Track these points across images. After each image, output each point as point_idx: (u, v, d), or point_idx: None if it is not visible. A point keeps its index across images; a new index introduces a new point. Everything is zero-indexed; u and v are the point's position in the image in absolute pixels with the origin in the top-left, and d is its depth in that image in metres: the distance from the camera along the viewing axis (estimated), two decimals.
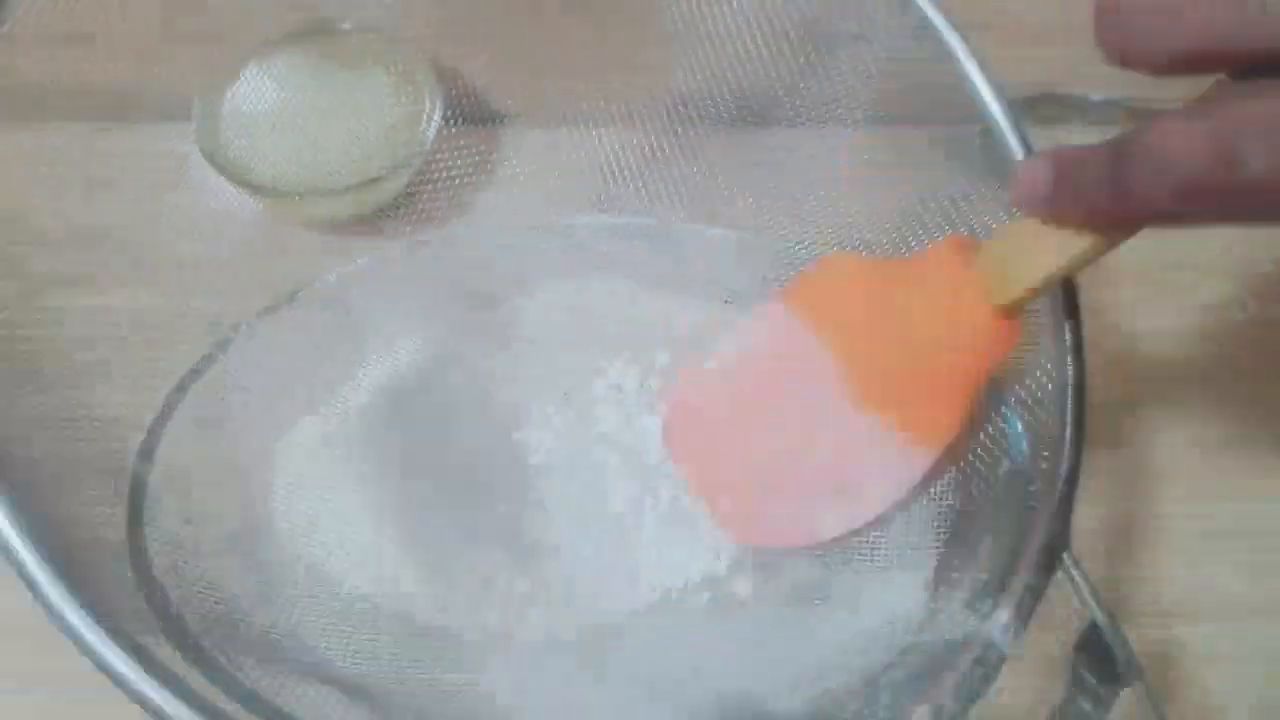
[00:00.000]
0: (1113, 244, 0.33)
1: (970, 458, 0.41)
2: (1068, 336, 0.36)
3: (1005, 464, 0.38)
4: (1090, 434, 0.36)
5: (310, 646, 0.41)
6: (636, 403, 0.48)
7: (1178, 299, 0.56)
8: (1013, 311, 0.37)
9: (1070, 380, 0.36)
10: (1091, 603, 0.32)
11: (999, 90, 0.41)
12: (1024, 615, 0.31)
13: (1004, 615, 0.31)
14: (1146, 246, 0.54)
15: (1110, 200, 0.31)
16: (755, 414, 0.45)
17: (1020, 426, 0.40)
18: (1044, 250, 0.34)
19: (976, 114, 0.42)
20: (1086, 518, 0.38)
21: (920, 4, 0.43)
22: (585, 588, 0.44)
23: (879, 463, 0.41)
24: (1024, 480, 0.37)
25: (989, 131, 0.41)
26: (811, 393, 0.43)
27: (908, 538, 0.40)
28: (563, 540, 0.45)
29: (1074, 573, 0.33)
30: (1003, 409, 0.41)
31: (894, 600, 0.38)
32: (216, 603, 0.41)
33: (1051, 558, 0.32)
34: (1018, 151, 0.40)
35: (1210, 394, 0.53)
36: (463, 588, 0.44)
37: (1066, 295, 0.38)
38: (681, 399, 0.47)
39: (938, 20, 0.42)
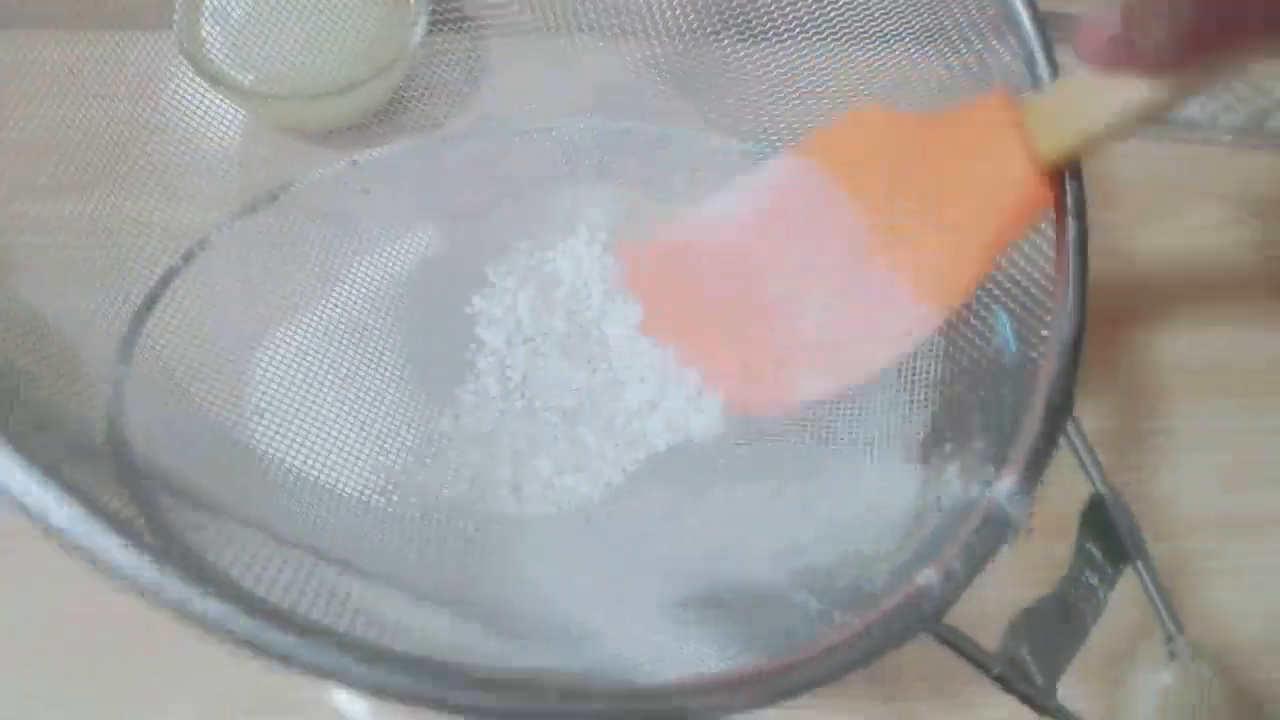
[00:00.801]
0: (1173, 97, 0.32)
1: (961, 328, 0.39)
2: (1068, 195, 0.34)
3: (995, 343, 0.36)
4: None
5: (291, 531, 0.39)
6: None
7: (1176, 220, 0.54)
8: (1053, 169, 0.35)
9: (1071, 238, 0.34)
10: (1094, 475, 0.31)
11: None
12: (1030, 481, 0.29)
13: (1009, 482, 0.29)
14: (1143, 166, 0.55)
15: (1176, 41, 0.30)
16: (742, 259, 0.42)
17: (1007, 322, 0.39)
18: (1103, 102, 0.33)
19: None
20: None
21: None
22: (564, 460, 0.43)
23: (881, 318, 0.38)
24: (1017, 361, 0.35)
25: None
26: (814, 239, 0.41)
27: (894, 409, 0.38)
28: (544, 421, 0.43)
29: (1077, 442, 0.31)
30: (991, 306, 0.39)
31: (883, 477, 0.36)
32: (192, 494, 0.39)
33: (1056, 421, 0.30)
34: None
35: (1208, 307, 0.52)
36: (434, 469, 0.43)
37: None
38: (656, 242, 0.45)
39: None
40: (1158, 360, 0.50)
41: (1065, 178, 0.34)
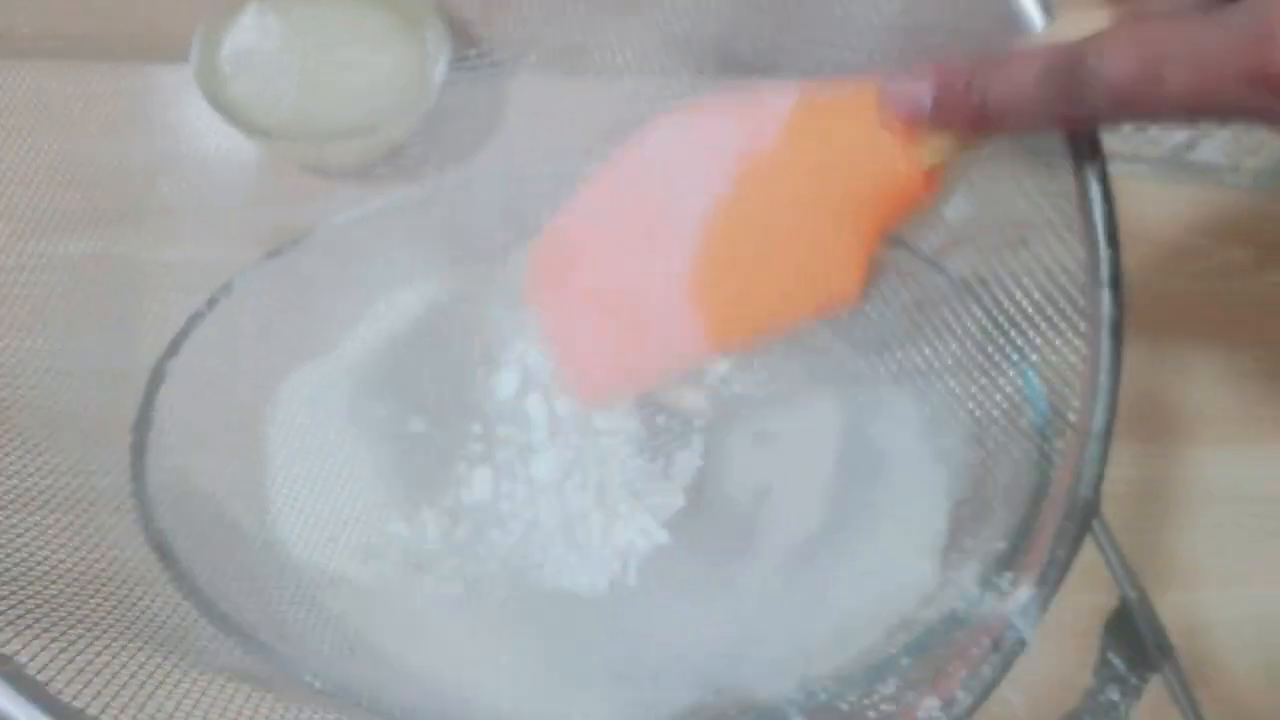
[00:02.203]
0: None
1: (987, 407, 0.38)
2: (1104, 272, 0.33)
3: (1027, 415, 0.35)
4: None
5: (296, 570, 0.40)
6: None
7: (1198, 263, 0.53)
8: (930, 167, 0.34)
9: (1106, 320, 0.32)
10: (1122, 576, 0.29)
11: None
12: (1047, 593, 0.28)
13: (1024, 593, 0.28)
14: (1165, 209, 0.54)
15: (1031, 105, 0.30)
16: (625, 235, 0.39)
17: (1037, 383, 0.37)
18: None
19: None
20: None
21: None
22: (551, 557, 0.41)
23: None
24: (1044, 437, 0.33)
25: None
26: (692, 209, 0.37)
27: (913, 497, 0.37)
28: (530, 507, 0.42)
29: (1104, 542, 0.30)
30: (1022, 367, 0.38)
31: (896, 570, 0.35)
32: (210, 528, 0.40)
33: (1081, 527, 0.28)
34: None
35: (1230, 352, 0.50)
36: (432, 537, 0.42)
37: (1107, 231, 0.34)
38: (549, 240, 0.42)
39: None
40: (1178, 406, 0.48)
41: (1103, 246, 0.33)
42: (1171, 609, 0.30)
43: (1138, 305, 0.50)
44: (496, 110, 0.51)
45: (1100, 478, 0.29)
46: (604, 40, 0.50)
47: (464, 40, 0.51)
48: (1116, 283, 0.32)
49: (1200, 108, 0.28)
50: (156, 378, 0.43)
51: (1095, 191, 0.33)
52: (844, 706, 0.30)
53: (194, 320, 0.44)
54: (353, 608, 0.40)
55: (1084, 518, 0.29)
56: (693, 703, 0.33)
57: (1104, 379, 0.30)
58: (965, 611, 0.30)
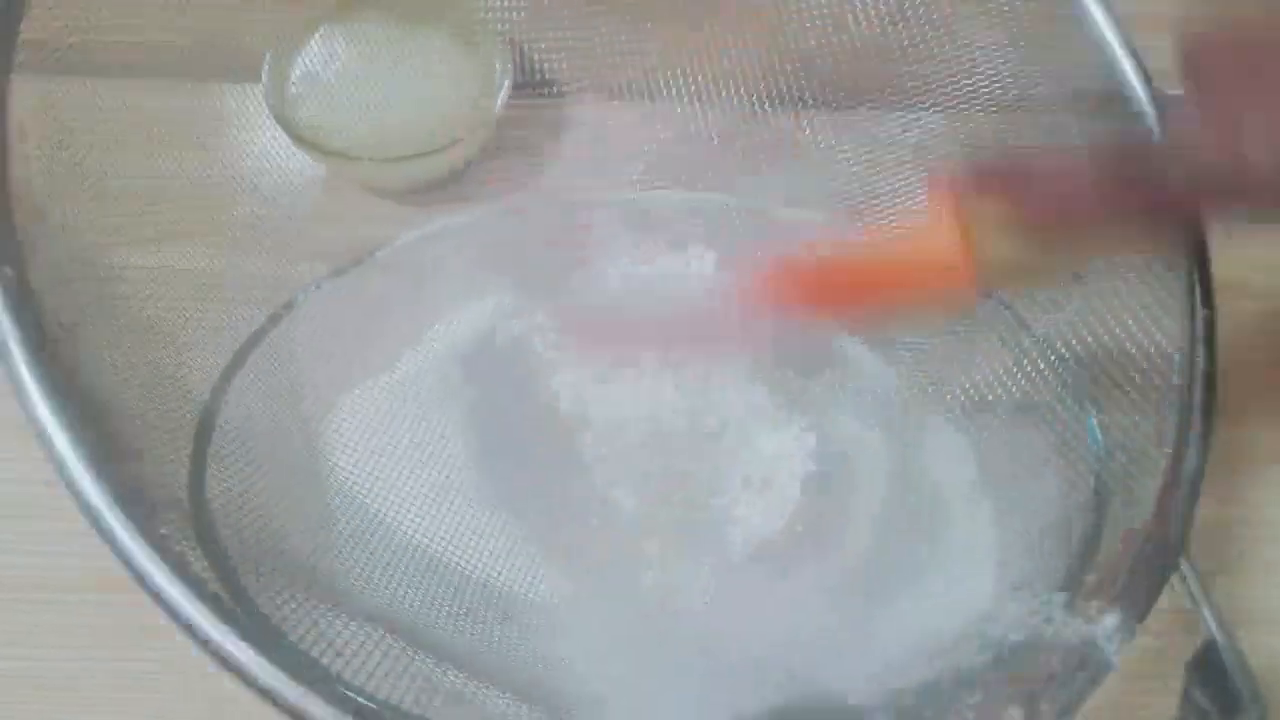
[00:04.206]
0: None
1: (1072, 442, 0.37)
2: (1198, 321, 0.31)
3: (1112, 457, 0.33)
4: None
5: (359, 588, 0.39)
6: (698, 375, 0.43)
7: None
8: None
9: (1200, 361, 0.31)
10: (1209, 617, 0.27)
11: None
12: (1134, 621, 0.26)
13: (1112, 620, 0.26)
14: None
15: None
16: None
17: (1095, 425, 0.36)
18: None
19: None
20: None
21: None
22: (654, 554, 0.40)
23: None
24: (1122, 476, 0.32)
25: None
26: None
27: (1001, 529, 0.36)
28: (628, 506, 0.41)
29: (1190, 580, 0.28)
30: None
31: (980, 596, 0.33)
32: (270, 544, 0.38)
33: (1167, 561, 0.27)
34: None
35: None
36: (520, 549, 0.40)
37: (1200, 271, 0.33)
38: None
39: None
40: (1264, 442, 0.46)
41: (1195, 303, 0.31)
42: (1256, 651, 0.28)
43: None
44: (555, 136, 0.50)
45: (1189, 519, 0.28)
46: (666, 69, 0.49)
47: (526, 66, 0.50)
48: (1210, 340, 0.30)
49: None
50: (219, 389, 0.42)
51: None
52: (929, 714, 0.29)
53: (257, 335, 0.43)
54: (411, 632, 0.39)
55: (1171, 556, 0.27)
56: (780, 703, 0.32)
57: (1196, 425, 0.29)
58: (1052, 634, 0.29)
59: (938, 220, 0.33)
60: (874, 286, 0.36)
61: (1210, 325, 0.31)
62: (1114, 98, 0.37)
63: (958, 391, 0.43)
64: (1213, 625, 0.28)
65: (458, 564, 0.40)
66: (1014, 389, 0.42)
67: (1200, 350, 0.30)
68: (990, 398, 0.42)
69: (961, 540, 0.38)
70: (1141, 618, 0.27)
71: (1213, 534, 0.30)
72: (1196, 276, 0.32)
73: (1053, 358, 0.39)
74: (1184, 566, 0.28)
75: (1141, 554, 0.28)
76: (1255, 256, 0.47)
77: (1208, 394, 0.29)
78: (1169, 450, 0.30)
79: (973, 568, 0.35)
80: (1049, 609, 0.29)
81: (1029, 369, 0.41)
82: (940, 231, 0.32)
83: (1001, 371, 0.42)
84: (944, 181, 0.33)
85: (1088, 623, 0.27)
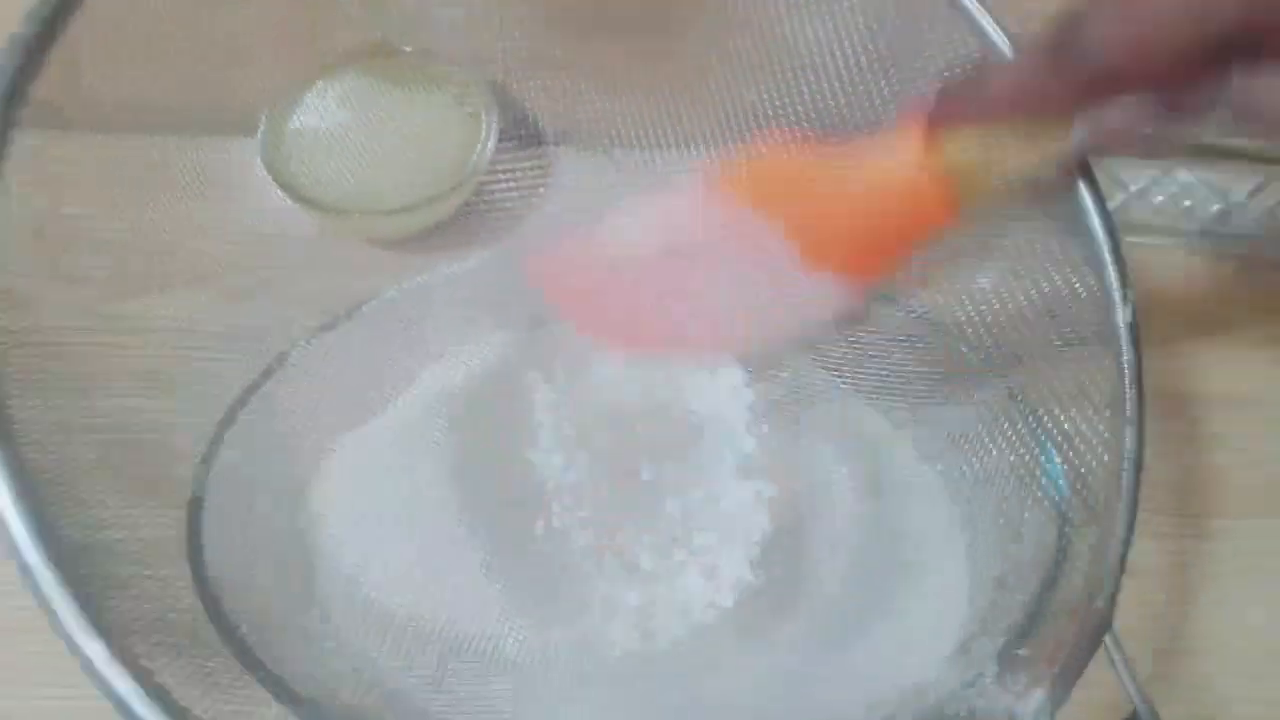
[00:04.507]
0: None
1: (1010, 506, 0.37)
2: (1128, 406, 0.32)
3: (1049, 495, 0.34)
4: None
5: (350, 650, 0.40)
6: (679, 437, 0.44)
7: (1227, 333, 0.51)
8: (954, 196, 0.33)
9: (1127, 451, 0.31)
10: (1133, 690, 0.28)
11: None
12: (1058, 700, 0.27)
13: (1037, 696, 0.27)
14: (1198, 278, 0.52)
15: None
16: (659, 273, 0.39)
17: (1058, 461, 0.36)
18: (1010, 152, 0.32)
19: None
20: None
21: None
22: (620, 614, 0.41)
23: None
24: (1063, 519, 0.32)
25: None
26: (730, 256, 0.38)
27: (938, 598, 0.36)
28: (593, 565, 0.42)
29: (1115, 656, 0.29)
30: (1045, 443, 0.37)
31: (918, 662, 0.34)
32: (263, 599, 0.40)
33: (1094, 639, 0.28)
34: None
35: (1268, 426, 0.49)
36: (495, 606, 0.41)
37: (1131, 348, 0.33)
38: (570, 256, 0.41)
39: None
40: (1212, 476, 0.47)
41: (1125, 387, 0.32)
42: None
43: (1171, 376, 0.49)
44: (542, 184, 0.51)
45: (1116, 591, 0.28)
46: (654, 120, 0.50)
47: (513, 116, 0.51)
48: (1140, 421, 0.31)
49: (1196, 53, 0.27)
50: (215, 444, 0.43)
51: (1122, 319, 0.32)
52: None
53: (250, 390, 0.45)
54: (403, 677, 0.40)
55: (1098, 630, 0.28)
56: None
57: (1124, 508, 0.30)
58: (983, 710, 0.29)
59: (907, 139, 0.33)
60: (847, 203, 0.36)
61: (1139, 403, 0.31)
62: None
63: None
64: (1136, 698, 0.28)
65: (438, 625, 0.41)
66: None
67: (1128, 431, 0.31)
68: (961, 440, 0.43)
69: (929, 595, 0.38)
70: (1063, 699, 0.27)
71: (1137, 607, 0.31)
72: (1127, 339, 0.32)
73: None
74: (1109, 639, 0.29)
75: (1068, 629, 0.29)
76: None
77: (1135, 475, 0.30)
78: (1096, 529, 0.30)
79: (936, 625, 0.36)
80: (981, 681, 0.30)
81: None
82: (910, 148, 0.33)
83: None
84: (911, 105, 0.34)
85: (1015, 699, 0.28)
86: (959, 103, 0.32)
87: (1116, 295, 0.32)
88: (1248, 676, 0.42)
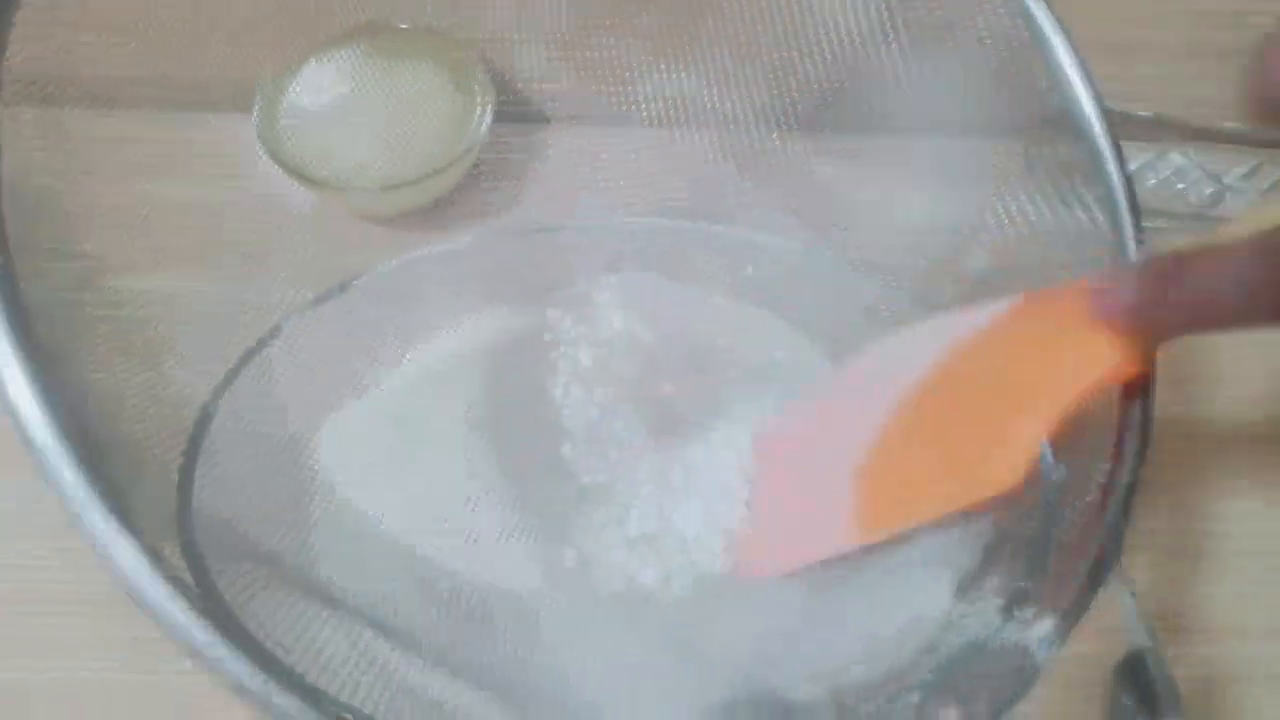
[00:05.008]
0: None
1: None
2: None
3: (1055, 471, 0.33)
4: None
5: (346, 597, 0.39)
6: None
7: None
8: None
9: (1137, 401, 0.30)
10: (1137, 626, 0.28)
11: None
12: (1066, 628, 0.27)
13: (1046, 626, 0.27)
14: None
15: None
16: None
17: (1051, 457, 0.36)
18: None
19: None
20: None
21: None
22: (620, 558, 0.40)
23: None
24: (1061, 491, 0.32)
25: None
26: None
27: (942, 538, 0.36)
28: (601, 508, 0.41)
29: (1121, 589, 0.28)
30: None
31: (923, 599, 0.33)
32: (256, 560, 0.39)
33: (1099, 572, 0.27)
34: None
35: (1260, 407, 0.48)
36: (498, 555, 0.41)
37: None
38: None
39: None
40: (1206, 455, 0.46)
41: None
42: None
43: (1164, 359, 0.48)
44: (537, 159, 0.51)
45: (1122, 528, 0.28)
46: (651, 97, 0.50)
47: (509, 92, 0.51)
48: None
49: None
50: (206, 412, 0.42)
51: None
52: (870, 708, 0.29)
53: (244, 360, 0.44)
54: (395, 650, 0.39)
55: (1104, 562, 0.27)
56: (731, 699, 0.33)
57: (1131, 438, 0.29)
58: (988, 639, 0.29)
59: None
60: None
61: None
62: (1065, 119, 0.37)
63: None
64: (1139, 632, 0.28)
65: (437, 564, 0.40)
66: None
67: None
68: None
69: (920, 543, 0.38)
70: (1072, 626, 0.27)
71: (1146, 545, 0.30)
72: None
73: None
74: (1115, 576, 0.28)
75: (1075, 564, 0.28)
76: None
77: (1145, 410, 0.29)
78: (1105, 465, 0.30)
79: (930, 570, 0.35)
80: (987, 614, 0.29)
81: None
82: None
83: None
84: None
85: (1022, 629, 0.27)
86: (1163, 305, 0.29)
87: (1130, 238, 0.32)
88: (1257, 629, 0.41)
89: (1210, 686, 0.39)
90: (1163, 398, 0.31)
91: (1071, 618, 0.27)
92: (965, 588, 0.32)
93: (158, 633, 0.30)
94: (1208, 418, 0.47)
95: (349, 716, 0.32)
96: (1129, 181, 0.37)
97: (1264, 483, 0.45)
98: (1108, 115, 0.38)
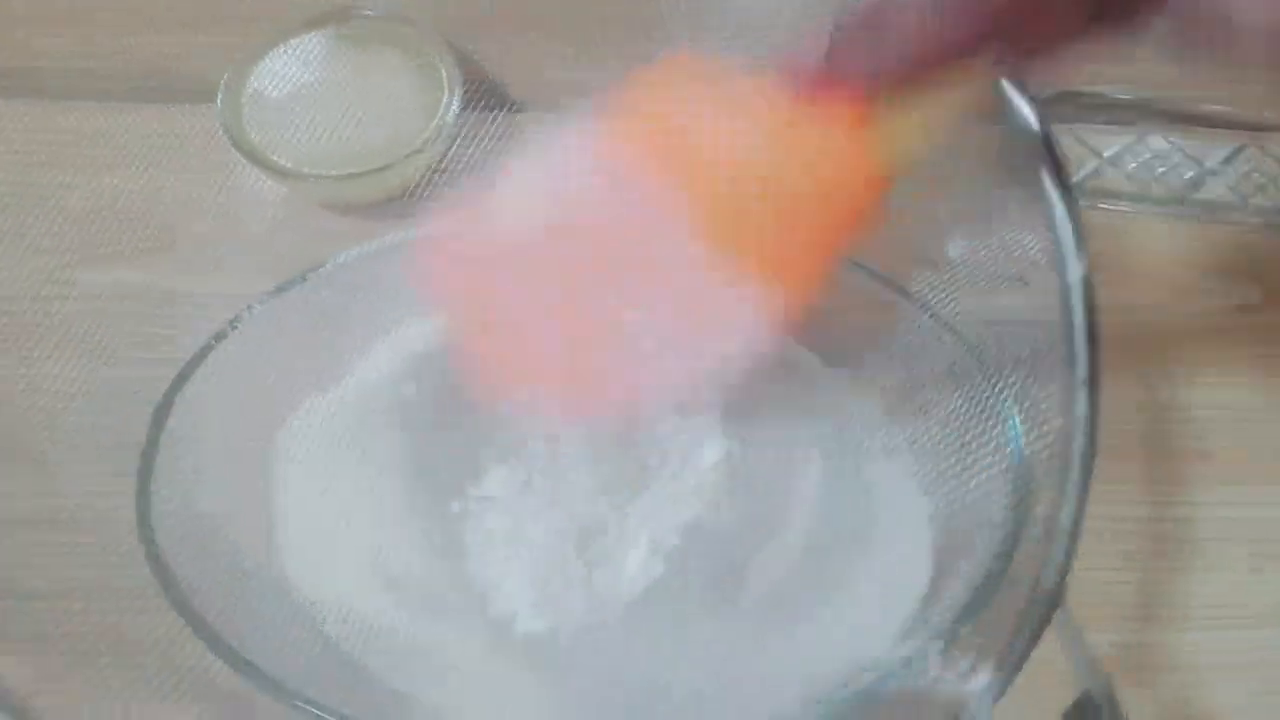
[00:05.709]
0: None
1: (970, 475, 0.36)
2: (1079, 367, 0.29)
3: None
4: None
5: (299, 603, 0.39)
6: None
7: (1201, 301, 0.50)
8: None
9: (1079, 416, 0.29)
10: (1084, 667, 0.27)
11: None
12: (1005, 679, 0.26)
13: (983, 677, 0.26)
14: (1169, 246, 0.51)
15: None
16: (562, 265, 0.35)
17: (1019, 422, 0.35)
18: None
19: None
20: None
21: None
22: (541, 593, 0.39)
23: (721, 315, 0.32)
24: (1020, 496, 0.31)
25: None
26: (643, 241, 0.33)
27: (886, 572, 0.35)
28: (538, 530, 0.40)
29: (1066, 635, 0.27)
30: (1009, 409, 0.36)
31: (862, 640, 0.33)
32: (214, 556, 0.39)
33: (1043, 616, 0.26)
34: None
35: (1234, 392, 0.47)
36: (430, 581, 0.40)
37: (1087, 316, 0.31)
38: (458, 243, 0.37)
39: None
40: (1179, 443, 0.46)
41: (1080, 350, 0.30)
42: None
43: (1141, 342, 0.47)
44: (507, 151, 0.50)
45: (1066, 570, 0.27)
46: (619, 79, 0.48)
47: (476, 80, 0.50)
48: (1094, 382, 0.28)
49: None
50: (165, 406, 0.42)
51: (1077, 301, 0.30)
52: None
53: (202, 352, 0.43)
54: (359, 644, 0.39)
55: (1047, 607, 0.26)
56: None
57: (1075, 476, 0.28)
58: (927, 690, 0.28)
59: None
60: None
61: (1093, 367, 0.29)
62: None
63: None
64: (1087, 677, 0.27)
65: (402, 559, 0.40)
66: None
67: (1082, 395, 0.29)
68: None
69: (888, 566, 0.37)
70: (1012, 677, 0.26)
71: (1091, 580, 0.29)
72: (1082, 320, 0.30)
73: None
74: (1060, 615, 0.27)
75: (1017, 608, 0.27)
76: None
77: (1088, 441, 0.28)
78: (1049, 502, 0.29)
79: (871, 611, 0.34)
80: (923, 661, 0.28)
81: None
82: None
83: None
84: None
85: (960, 680, 0.26)
86: (859, 61, 0.27)
87: (1070, 252, 0.30)
88: (1213, 650, 0.40)
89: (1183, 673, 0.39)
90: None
91: (1010, 670, 0.26)
92: (908, 632, 0.32)
93: None
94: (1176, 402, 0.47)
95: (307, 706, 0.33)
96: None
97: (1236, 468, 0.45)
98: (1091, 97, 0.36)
